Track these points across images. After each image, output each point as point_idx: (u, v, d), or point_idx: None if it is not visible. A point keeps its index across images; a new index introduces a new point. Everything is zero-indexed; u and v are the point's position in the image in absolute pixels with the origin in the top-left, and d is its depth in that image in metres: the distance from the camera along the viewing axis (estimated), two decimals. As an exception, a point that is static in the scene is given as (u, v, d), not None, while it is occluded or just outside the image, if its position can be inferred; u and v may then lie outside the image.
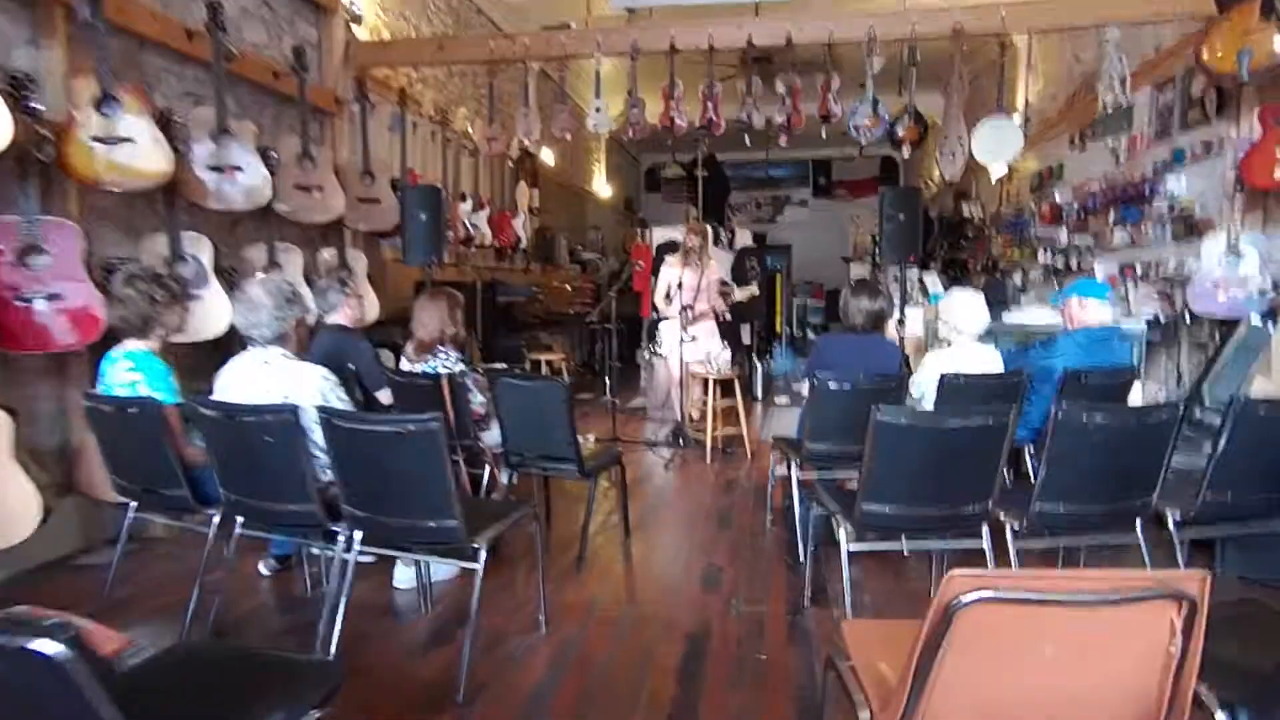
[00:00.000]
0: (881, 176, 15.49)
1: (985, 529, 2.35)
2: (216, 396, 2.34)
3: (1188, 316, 4.31)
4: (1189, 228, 4.43)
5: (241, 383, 2.31)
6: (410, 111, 5.73)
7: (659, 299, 5.46)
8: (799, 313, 11.44)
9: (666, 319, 5.38)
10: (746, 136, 5.06)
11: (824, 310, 11.53)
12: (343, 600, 2.18)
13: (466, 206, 6.50)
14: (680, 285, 5.15)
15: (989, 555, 2.31)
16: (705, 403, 5.12)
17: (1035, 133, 7.48)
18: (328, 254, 4.72)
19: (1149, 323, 4.48)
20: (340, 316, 3.59)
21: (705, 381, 5.13)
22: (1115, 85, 4.44)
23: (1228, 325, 3.96)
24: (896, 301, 5.13)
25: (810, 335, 10.50)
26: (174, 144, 3.48)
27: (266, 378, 2.29)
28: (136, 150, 3.12)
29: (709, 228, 5.60)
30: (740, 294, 5.30)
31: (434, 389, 3.24)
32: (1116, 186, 5.27)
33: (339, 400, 2.33)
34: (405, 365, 3.40)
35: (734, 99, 5.03)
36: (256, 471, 2.28)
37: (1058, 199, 6.58)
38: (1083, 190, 6.01)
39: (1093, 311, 3.37)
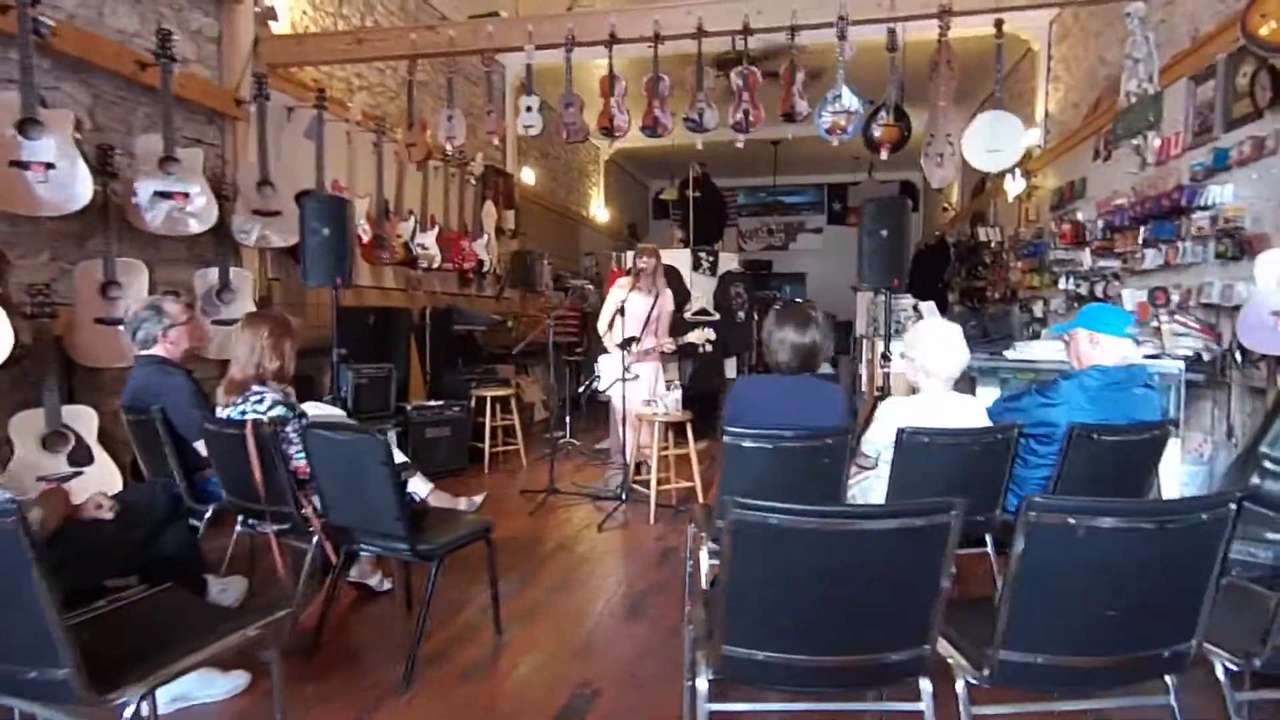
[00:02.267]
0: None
1: (923, 683, 1.53)
2: None
3: (1238, 354, 3.42)
4: (1237, 245, 3.56)
5: None
6: (338, 117, 5.14)
7: (601, 324, 4.72)
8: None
9: (608, 351, 4.63)
10: (746, 158, 4.30)
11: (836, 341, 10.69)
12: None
13: (409, 225, 5.84)
14: (622, 312, 4.40)
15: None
16: (653, 450, 4.32)
17: (1055, 145, 6.65)
18: (207, 274, 4.08)
19: (1187, 361, 3.58)
20: (159, 349, 2.93)
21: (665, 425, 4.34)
22: (1139, 71, 3.63)
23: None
24: (879, 334, 4.33)
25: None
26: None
27: None
28: None
29: (659, 251, 4.86)
30: (694, 336, 4.54)
31: (240, 439, 2.52)
32: (1146, 199, 4.40)
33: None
34: (219, 411, 2.68)
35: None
36: None
37: (1080, 217, 5.71)
38: (1108, 206, 5.14)
39: (1108, 350, 2.53)
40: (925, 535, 1.37)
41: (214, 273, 4.08)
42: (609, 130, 4.24)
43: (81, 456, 3.21)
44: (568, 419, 6.35)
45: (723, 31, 4.09)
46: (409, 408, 5.15)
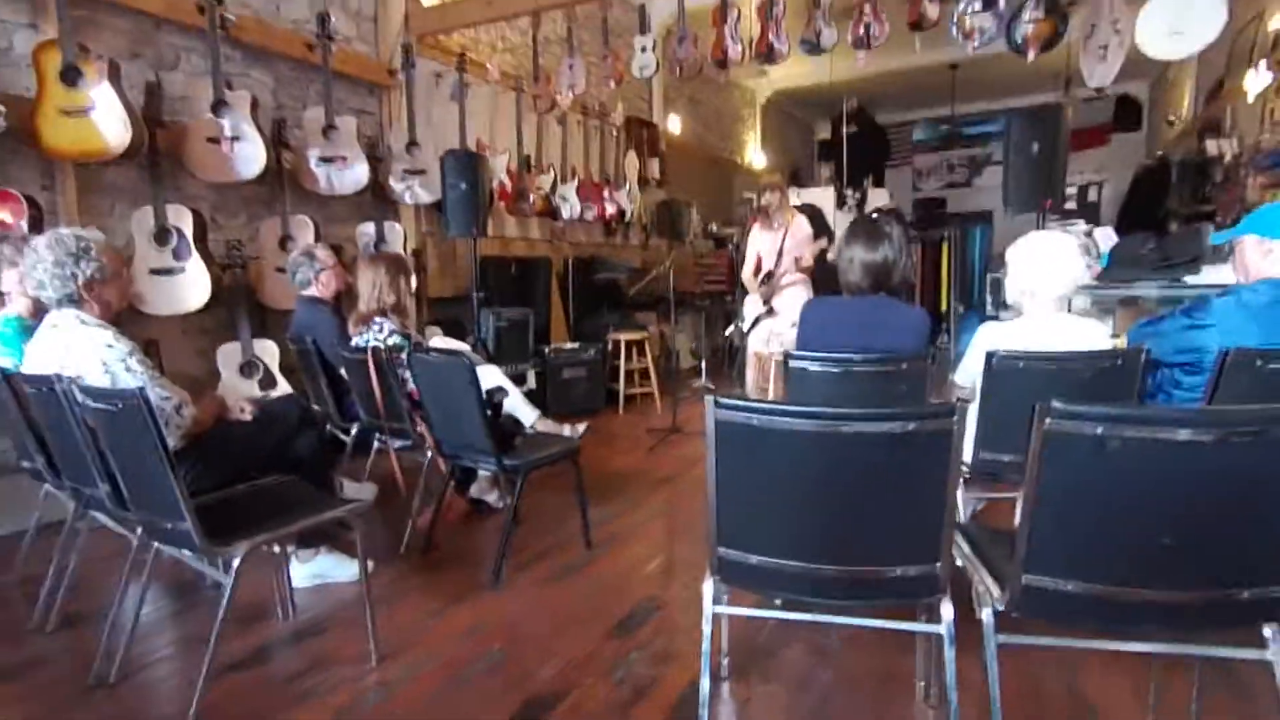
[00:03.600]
0: (1115, 123, 12.67)
1: (944, 607, 1.43)
2: (24, 366, 2.15)
3: None
4: None
5: (38, 351, 2.09)
6: (479, 78, 5.48)
7: (745, 273, 4.67)
8: (993, 288, 9.70)
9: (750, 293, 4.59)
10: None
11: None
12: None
13: (548, 177, 6.13)
14: (753, 253, 4.34)
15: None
16: (769, 389, 4.26)
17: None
18: (365, 228, 4.60)
19: None
20: (313, 289, 3.41)
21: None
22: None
23: None
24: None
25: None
26: (161, 116, 3.52)
27: (50, 345, 2.05)
28: (97, 119, 3.10)
29: (785, 184, 4.67)
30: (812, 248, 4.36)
31: (365, 364, 2.89)
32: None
33: (126, 371, 2.02)
34: (353, 340, 3.08)
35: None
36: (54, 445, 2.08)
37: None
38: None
39: None
40: (921, 440, 1.28)
41: (371, 227, 4.59)
42: (722, 62, 4.13)
43: (268, 382, 3.82)
44: (703, 365, 6.40)
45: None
46: (547, 350, 5.48)
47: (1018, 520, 1.32)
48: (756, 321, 4.50)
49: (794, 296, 4.58)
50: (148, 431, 1.67)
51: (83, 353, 2.00)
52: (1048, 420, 1.21)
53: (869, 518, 1.36)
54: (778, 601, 1.70)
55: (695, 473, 4.04)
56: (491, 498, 3.39)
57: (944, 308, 8.69)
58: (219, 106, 3.66)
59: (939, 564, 1.38)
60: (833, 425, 1.30)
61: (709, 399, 1.36)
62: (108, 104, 3.15)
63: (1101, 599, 1.27)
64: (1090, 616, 1.30)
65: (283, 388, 3.83)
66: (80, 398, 1.85)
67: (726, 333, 5.36)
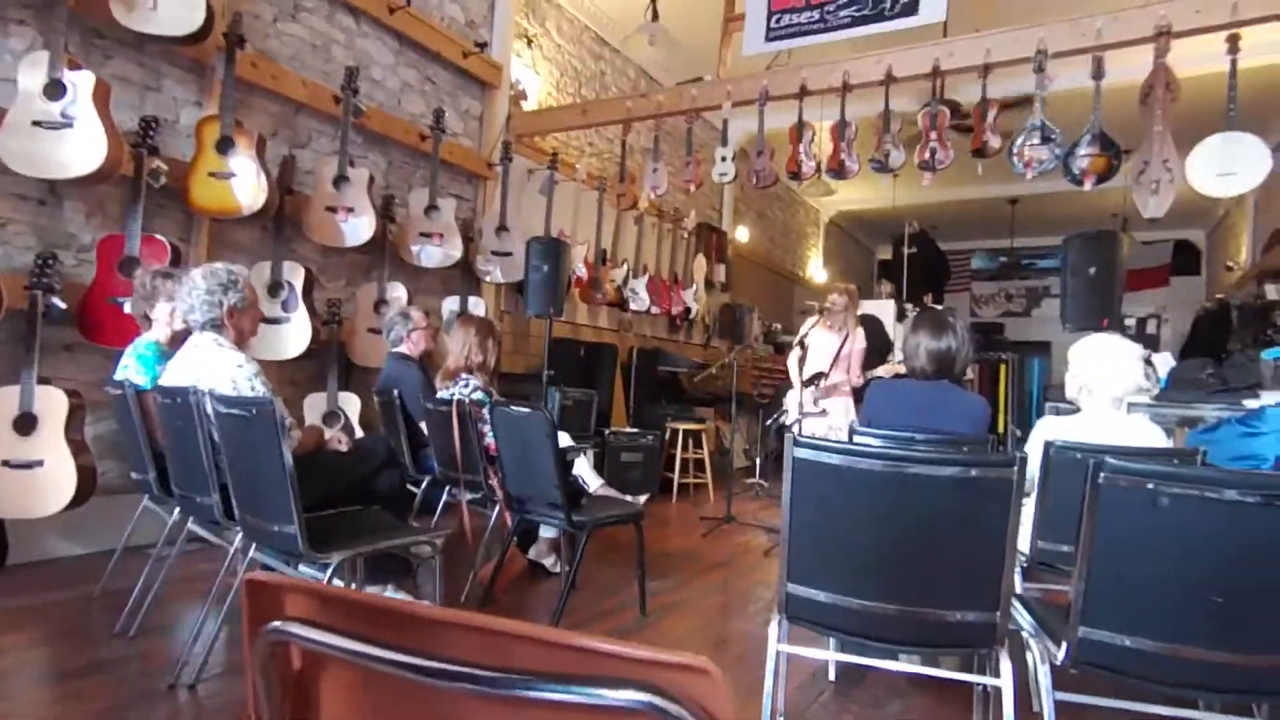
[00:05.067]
0: (1174, 264, 12.77)
1: (1003, 660, 1.48)
2: (162, 381, 2.42)
3: None
4: None
5: (178, 368, 2.35)
6: (567, 177, 5.99)
7: (791, 361, 4.82)
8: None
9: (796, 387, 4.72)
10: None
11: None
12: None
13: (621, 271, 6.51)
14: (804, 347, 4.50)
15: None
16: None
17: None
18: (451, 301, 4.96)
19: None
20: (404, 347, 3.70)
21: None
22: None
23: None
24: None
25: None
26: (291, 185, 3.98)
27: (189, 363, 2.31)
28: (239, 184, 3.55)
29: (854, 289, 4.87)
30: (882, 370, 4.47)
31: (449, 416, 3.10)
32: None
33: (252, 391, 2.26)
34: (439, 394, 3.31)
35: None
36: (171, 456, 2.31)
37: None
38: None
39: (1335, 374, 2.17)
40: (983, 486, 1.39)
41: (456, 300, 4.95)
42: (796, 174, 4.48)
43: (347, 430, 4.06)
44: (759, 461, 6.46)
45: (912, 76, 4.18)
46: (607, 431, 5.65)
47: (1073, 579, 1.39)
48: (800, 418, 4.60)
49: (840, 406, 4.71)
50: (273, 438, 1.89)
51: (218, 371, 2.26)
52: (1101, 475, 1.31)
53: (932, 560, 1.45)
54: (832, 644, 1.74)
55: (749, 559, 4.06)
56: (549, 561, 3.47)
57: (1001, 430, 8.63)
58: (340, 181, 4.13)
59: (999, 613, 1.44)
60: (899, 466, 1.42)
61: (788, 436, 1.50)
62: (252, 172, 3.61)
63: (1158, 656, 1.31)
64: (1146, 673, 1.34)
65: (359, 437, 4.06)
66: (211, 409, 2.09)
67: (767, 423, 5.45)
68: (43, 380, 2.96)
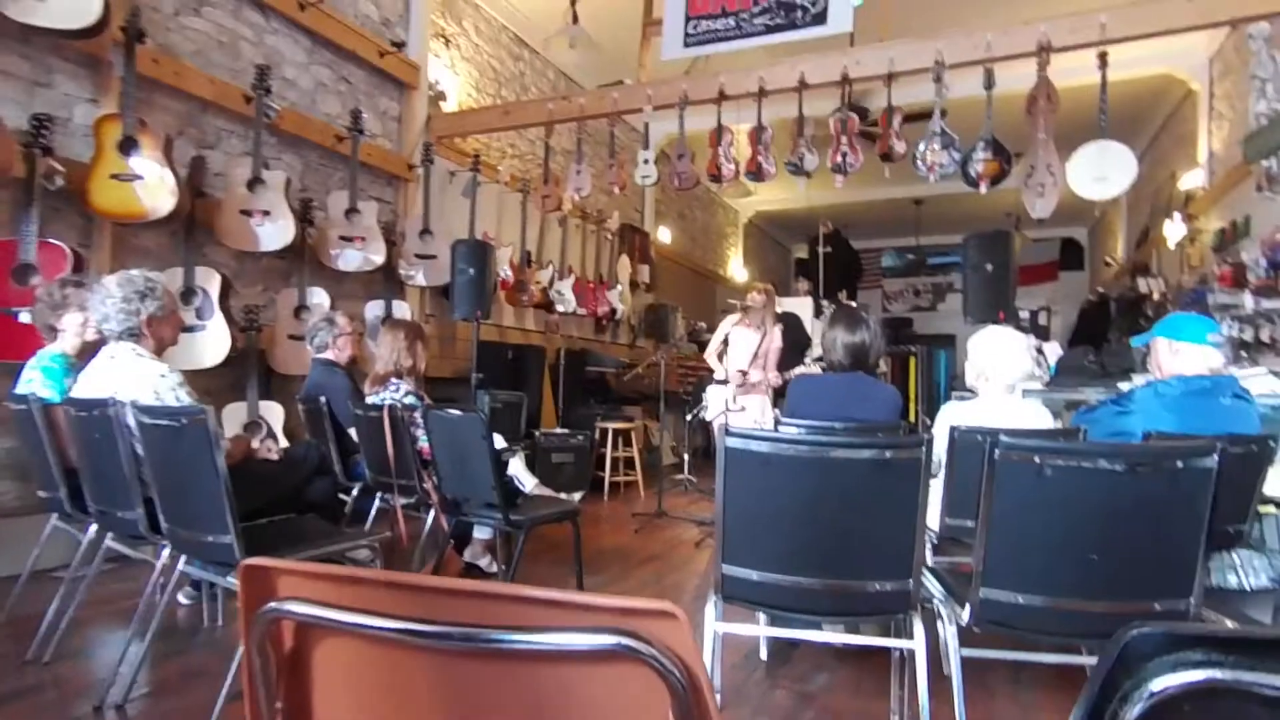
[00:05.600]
0: (1062, 260, 13.80)
1: (916, 623, 1.63)
2: (74, 393, 2.32)
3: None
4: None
5: (92, 380, 2.27)
6: (490, 179, 5.96)
7: (710, 355, 4.99)
8: (956, 406, 10.19)
9: (715, 381, 4.88)
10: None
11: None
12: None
13: (547, 273, 6.54)
14: (726, 343, 4.66)
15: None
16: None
17: (1220, 183, 6.19)
18: (375, 305, 4.88)
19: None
20: (329, 353, 3.63)
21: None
22: (1268, 91, 3.48)
23: None
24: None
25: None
26: (202, 188, 3.83)
27: (106, 374, 2.23)
28: (144, 186, 3.41)
29: (772, 289, 5.08)
30: (800, 369, 4.70)
31: (380, 421, 3.07)
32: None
33: (176, 401, 2.20)
34: (367, 399, 3.27)
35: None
36: (86, 471, 2.21)
37: (1243, 258, 5.27)
38: (1271, 242, 4.75)
39: (1190, 359, 2.45)
40: (896, 466, 1.53)
41: (380, 305, 4.87)
42: (717, 177, 4.63)
43: (271, 440, 3.95)
44: (686, 457, 6.61)
45: (823, 83, 4.40)
46: (537, 433, 5.67)
47: (975, 546, 1.55)
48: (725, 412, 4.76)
49: (757, 403, 4.90)
50: (206, 448, 1.86)
51: (136, 382, 2.18)
52: (996, 452, 1.48)
53: (853, 535, 1.59)
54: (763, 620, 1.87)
55: (681, 551, 4.18)
56: (484, 562, 3.49)
57: (912, 418, 9.13)
58: (254, 184, 4.01)
59: (911, 580, 1.59)
60: (821, 451, 1.55)
61: (717, 427, 1.61)
62: (158, 174, 3.46)
63: (1047, 609, 1.49)
64: (1038, 626, 1.51)
65: (284, 447, 3.95)
66: (134, 420, 2.03)
67: (688, 417, 5.61)
68: (-72, 398, 2.77)
